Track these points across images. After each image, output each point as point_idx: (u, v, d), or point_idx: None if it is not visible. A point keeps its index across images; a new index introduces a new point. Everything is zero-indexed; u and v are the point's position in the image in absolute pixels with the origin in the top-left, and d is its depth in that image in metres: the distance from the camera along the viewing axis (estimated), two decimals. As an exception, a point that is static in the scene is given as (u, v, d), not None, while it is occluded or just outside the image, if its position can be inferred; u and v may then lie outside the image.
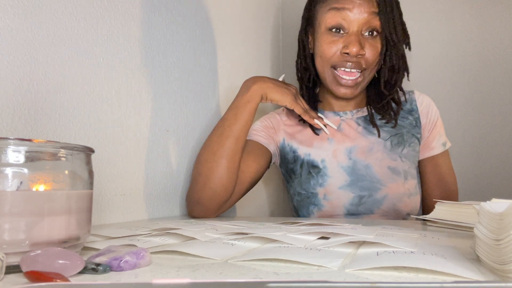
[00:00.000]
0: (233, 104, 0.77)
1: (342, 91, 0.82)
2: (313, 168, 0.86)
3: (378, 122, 0.86)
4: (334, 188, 0.83)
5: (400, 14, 0.82)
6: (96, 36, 0.62)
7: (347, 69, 0.80)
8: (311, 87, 0.92)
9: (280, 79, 0.86)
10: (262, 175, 0.87)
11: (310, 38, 0.89)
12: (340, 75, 0.81)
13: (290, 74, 1.37)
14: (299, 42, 0.92)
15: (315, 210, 0.85)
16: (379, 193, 0.81)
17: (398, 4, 0.82)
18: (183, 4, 0.84)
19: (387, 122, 0.85)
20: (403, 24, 0.83)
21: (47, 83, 0.54)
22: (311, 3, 0.88)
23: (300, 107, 0.81)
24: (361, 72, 0.81)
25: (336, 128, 0.86)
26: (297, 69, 0.93)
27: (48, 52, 0.54)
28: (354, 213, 0.82)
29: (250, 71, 1.15)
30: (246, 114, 0.75)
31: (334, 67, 0.82)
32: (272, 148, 0.89)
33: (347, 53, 0.79)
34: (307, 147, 0.87)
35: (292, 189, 0.90)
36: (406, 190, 0.82)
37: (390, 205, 0.81)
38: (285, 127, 0.91)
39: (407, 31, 0.84)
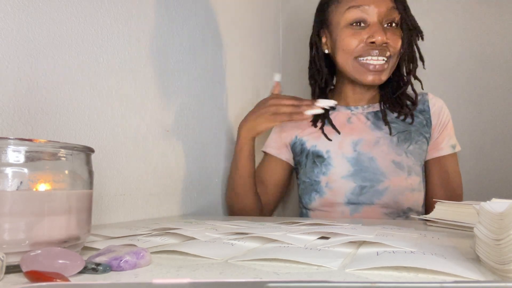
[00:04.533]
0: (234, 151, 0.88)
1: (370, 77, 0.83)
2: (317, 157, 0.89)
3: (390, 119, 0.88)
4: (337, 177, 0.86)
5: (409, 8, 0.86)
6: (96, 36, 0.62)
7: (374, 58, 0.82)
8: (322, 87, 0.94)
9: (276, 79, 0.86)
10: (287, 180, 0.97)
11: (325, 40, 0.91)
12: (368, 62, 0.83)
13: (290, 74, 1.37)
14: (311, 45, 0.94)
15: (316, 197, 0.88)
16: (381, 184, 0.83)
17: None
18: (183, 4, 0.84)
19: (404, 119, 0.87)
20: (413, 16, 0.87)
21: (47, 83, 0.54)
22: (323, 5, 0.90)
23: (282, 118, 0.79)
24: (386, 59, 0.83)
25: (333, 104, 0.82)
26: (310, 74, 0.96)
27: (48, 52, 0.54)
28: (355, 202, 0.85)
29: (250, 71, 1.15)
30: (243, 160, 0.85)
31: (358, 57, 0.83)
32: (284, 155, 0.96)
33: (373, 42, 0.81)
34: (315, 140, 0.91)
35: (299, 180, 0.94)
36: (409, 185, 0.83)
37: (391, 197, 0.82)
38: (296, 126, 0.96)
39: (417, 22, 0.88)
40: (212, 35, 0.95)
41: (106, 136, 0.64)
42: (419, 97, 0.90)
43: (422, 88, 0.90)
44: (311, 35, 0.94)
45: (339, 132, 0.89)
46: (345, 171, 0.86)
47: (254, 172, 0.88)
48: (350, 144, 0.87)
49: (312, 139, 0.91)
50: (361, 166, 0.85)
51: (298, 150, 0.94)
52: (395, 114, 0.88)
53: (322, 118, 0.91)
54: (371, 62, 0.82)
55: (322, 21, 0.91)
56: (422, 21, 1.15)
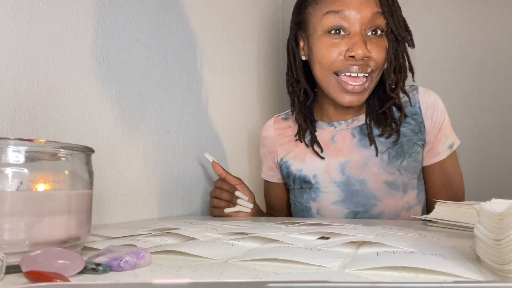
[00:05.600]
0: None
1: (348, 99, 0.75)
2: (305, 183, 0.84)
3: (376, 135, 0.80)
4: (327, 203, 0.81)
5: (400, 9, 0.76)
6: (96, 36, 0.62)
7: (353, 74, 0.73)
8: (302, 100, 0.85)
9: (210, 159, 0.82)
10: (289, 196, 0.93)
11: (302, 44, 0.82)
12: (346, 81, 0.74)
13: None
14: (288, 51, 0.84)
15: None
16: (375, 209, 0.78)
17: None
18: (183, 4, 0.84)
19: (388, 137, 0.78)
20: (404, 21, 0.77)
21: (47, 83, 0.54)
22: (301, 6, 0.80)
23: (220, 212, 0.81)
24: (367, 76, 0.74)
25: (250, 210, 0.82)
26: (287, 81, 0.86)
27: (48, 52, 0.54)
28: None
29: (250, 71, 1.15)
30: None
31: (337, 73, 0.75)
32: (275, 177, 0.94)
33: (352, 56, 0.72)
34: (300, 163, 0.85)
35: (291, 199, 0.91)
36: (405, 204, 0.78)
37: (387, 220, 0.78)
38: (280, 145, 0.90)
39: (408, 28, 0.77)
40: (212, 35, 0.95)
41: (106, 136, 0.64)
42: (410, 97, 0.80)
43: (410, 104, 0.79)
44: (288, 38, 0.84)
45: (322, 150, 0.82)
46: (336, 196, 0.80)
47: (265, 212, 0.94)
48: (337, 167, 0.80)
49: (297, 162, 0.85)
50: (352, 191, 0.79)
51: (285, 173, 0.88)
52: (380, 131, 0.79)
53: (310, 134, 0.84)
54: (350, 82, 0.73)
55: (299, 22, 0.81)
56: (421, 19, 1.15)
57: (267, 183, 0.97)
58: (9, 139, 0.30)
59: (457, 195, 0.81)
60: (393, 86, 0.77)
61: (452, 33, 1.13)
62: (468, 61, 1.11)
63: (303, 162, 0.85)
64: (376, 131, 0.80)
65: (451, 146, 0.80)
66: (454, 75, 1.13)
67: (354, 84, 0.74)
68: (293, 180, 0.87)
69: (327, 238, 0.42)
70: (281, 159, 0.89)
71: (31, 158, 0.30)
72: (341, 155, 0.81)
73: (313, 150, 0.83)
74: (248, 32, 1.14)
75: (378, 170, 0.78)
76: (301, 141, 0.85)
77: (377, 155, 0.78)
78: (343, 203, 0.80)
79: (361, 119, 0.83)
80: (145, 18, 0.73)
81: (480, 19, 1.10)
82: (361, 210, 0.79)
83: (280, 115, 0.95)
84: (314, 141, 0.83)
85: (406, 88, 0.82)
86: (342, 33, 0.73)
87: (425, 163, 0.81)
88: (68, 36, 0.57)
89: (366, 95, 0.77)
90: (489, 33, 1.09)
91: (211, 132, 0.94)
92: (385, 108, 0.79)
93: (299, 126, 0.85)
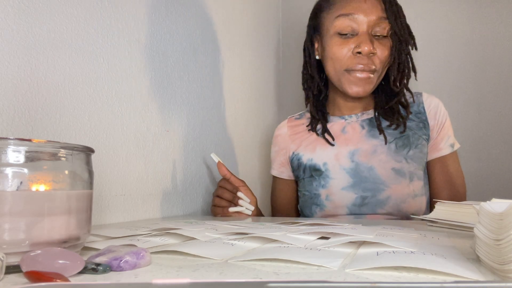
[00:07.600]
0: None
1: (354, 89, 0.84)
2: (315, 171, 0.88)
3: (384, 126, 0.87)
4: (337, 189, 0.85)
5: (404, 17, 0.85)
6: (96, 36, 0.62)
7: (359, 69, 0.82)
8: (316, 94, 0.94)
9: (215, 159, 0.83)
10: (297, 193, 0.97)
11: (317, 45, 0.91)
12: (354, 75, 0.83)
13: (288, 75, 1.37)
14: (304, 51, 0.94)
15: (317, 210, 0.87)
16: (382, 194, 0.82)
17: (401, 8, 0.86)
18: (183, 4, 0.84)
19: (395, 128, 0.85)
20: (408, 27, 0.85)
21: (47, 83, 0.54)
22: (316, 11, 0.90)
23: (222, 211, 0.82)
24: (372, 71, 0.83)
25: (251, 212, 0.83)
26: (303, 79, 0.96)
27: (48, 52, 0.54)
28: (357, 213, 0.83)
29: (250, 71, 1.15)
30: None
31: (346, 70, 0.84)
32: (286, 174, 0.97)
33: (359, 52, 0.81)
34: (310, 153, 0.90)
35: (299, 192, 0.94)
36: (411, 191, 0.82)
37: (394, 205, 0.81)
38: (292, 141, 0.95)
39: (412, 33, 0.86)
40: (212, 35, 0.95)
41: (106, 136, 0.64)
42: (414, 97, 0.89)
43: (414, 101, 0.88)
44: (305, 40, 0.94)
45: (333, 138, 0.88)
46: (345, 182, 0.85)
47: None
48: (347, 155, 0.86)
49: (308, 152, 0.91)
50: (361, 177, 0.84)
51: (296, 165, 0.93)
52: (388, 123, 0.87)
53: (322, 125, 0.91)
54: (357, 75, 0.83)
55: (314, 26, 0.91)
56: (422, 21, 1.15)
57: (276, 181, 1.01)
58: (9, 139, 0.30)
59: (459, 193, 0.85)
60: (398, 83, 0.86)
61: (453, 35, 1.13)
62: (468, 61, 1.11)
63: (313, 152, 0.90)
64: (384, 123, 0.88)
65: (452, 145, 0.86)
66: (454, 76, 1.13)
67: (361, 76, 0.83)
68: (304, 170, 0.91)
69: (327, 238, 0.42)
70: (293, 153, 0.94)
71: (31, 158, 0.30)
72: (351, 144, 0.87)
73: (324, 138, 0.89)
74: (248, 32, 1.14)
75: (386, 158, 0.84)
76: (313, 131, 0.91)
77: (386, 143, 0.84)
78: (352, 189, 0.84)
79: (370, 113, 0.90)
80: (145, 18, 0.73)
81: (481, 21, 1.10)
82: (369, 195, 0.83)
83: (293, 116, 1.02)
84: (325, 130, 0.90)
85: (412, 93, 0.89)
86: (351, 33, 0.83)
87: (429, 158, 0.87)
88: (68, 36, 0.57)
89: (371, 87, 0.85)
90: (490, 34, 1.09)
91: (211, 132, 0.94)
92: (392, 103, 0.86)
93: (312, 117, 0.93)
